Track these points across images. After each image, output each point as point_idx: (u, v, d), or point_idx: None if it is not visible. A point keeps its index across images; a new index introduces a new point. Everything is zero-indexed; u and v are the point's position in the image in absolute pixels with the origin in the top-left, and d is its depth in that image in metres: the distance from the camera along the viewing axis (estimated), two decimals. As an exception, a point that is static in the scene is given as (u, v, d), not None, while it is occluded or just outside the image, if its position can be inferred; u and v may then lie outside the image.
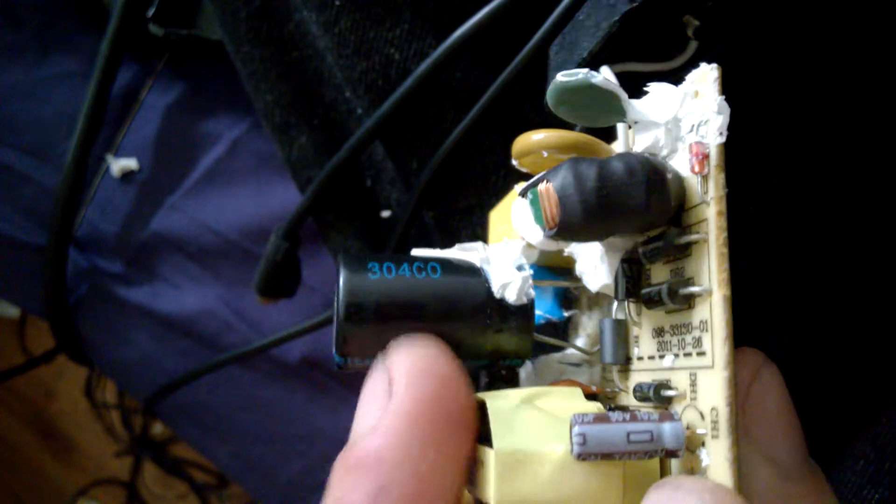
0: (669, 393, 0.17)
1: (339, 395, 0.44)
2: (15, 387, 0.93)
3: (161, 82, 0.43)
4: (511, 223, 0.23)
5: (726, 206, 0.16)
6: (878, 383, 0.25)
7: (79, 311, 0.47)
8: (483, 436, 0.18)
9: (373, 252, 0.19)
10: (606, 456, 0.15)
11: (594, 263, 0.20)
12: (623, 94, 0.17)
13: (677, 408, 0.17)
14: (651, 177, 0.16)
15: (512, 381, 0.21)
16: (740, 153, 0.18)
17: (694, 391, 0.16)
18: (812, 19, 0.24)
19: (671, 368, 0.17)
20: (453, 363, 0.17)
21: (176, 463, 0.89)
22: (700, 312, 0.16)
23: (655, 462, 0.17)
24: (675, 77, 0.17)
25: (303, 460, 0.46)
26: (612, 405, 0.19)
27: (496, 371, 0.20)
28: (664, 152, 0.17)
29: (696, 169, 0.16)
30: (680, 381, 0.17)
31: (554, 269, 0.23)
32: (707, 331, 0.16)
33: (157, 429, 0.90)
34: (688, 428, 0.16)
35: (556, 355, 0.23)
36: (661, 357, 0.18)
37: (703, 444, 0.16)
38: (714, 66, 0.16)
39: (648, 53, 0.22)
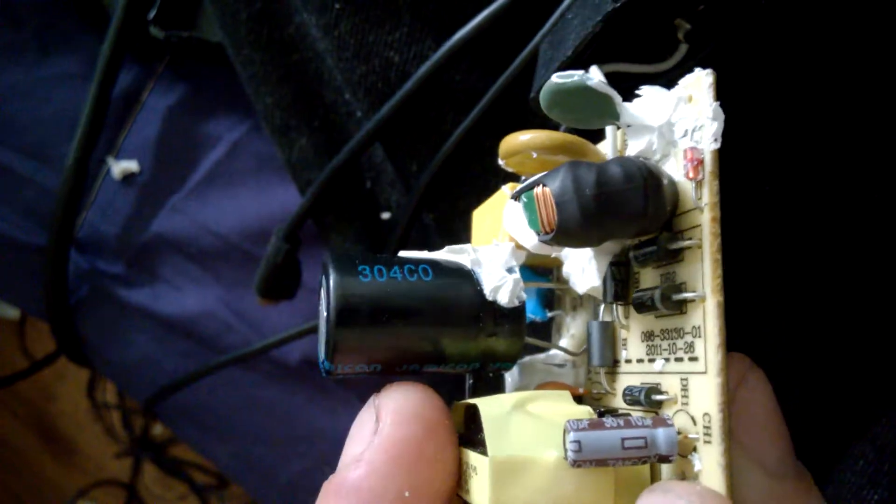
0: (660, 397, 0.17)
1: (340, 397, 0.44)
2: (16, 389, 0.93)
3: (162, 84, 0.43)
4: (495, 223, 0.23)
5: (720, 211, 0.16)
6: (877, 384, 0.25)
7: (79, 312, 0.47)
8: (470, 440, 0.18)
9: (363, 253, 0.18)
10: (601, 462, 0.15)
11: (582, 265, 0.20)
12: (617, 97, 0.17)
13: (668, 412, 0.17)
14: (648, 182, 0.16)
15: (497, 383, 0.21)
16: (733, 159, 0.18)
17: (686, 396, 0.16)
18: (803, 25, 0.24)
19: (661, 372, 0.17)
20: (440, 410, 0.18)
21: (176, 464, 0.89)
22: (693, 318, 0.16)
23: (646, 466, 0.17)
24: (665, 79, 0.17)
25: (303, 461, 0.46)
26: (601, 408, 0.19)
27: (483, 374, 0.20)
28: (657, 157, 0.17)
29: (691, 175, 0.16)
30: (671, 385, 0.17)
31: (536, 270, 0.23)
32: (700, 336, 0.16)
33: (158, 430, 0.90)
34: (679, 433, 0.16)
35: (541, 356, 0.23)
36: (651, 361, 0.18)
37: (694, 449, 0.16)
38: (709, 71, 0.16)
39: (638, 54, 0.22)
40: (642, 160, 0.17)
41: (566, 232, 0.16)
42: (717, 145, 0.16)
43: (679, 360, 0.17)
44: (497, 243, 0.20)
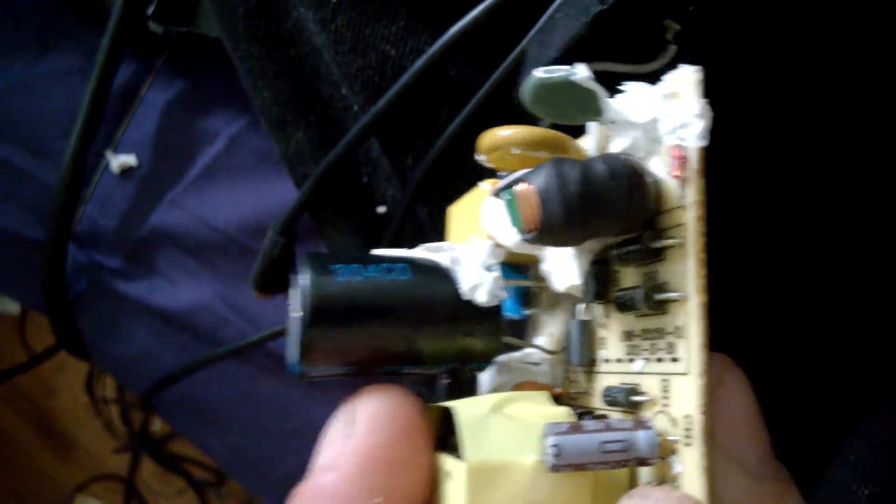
0: (640, 398, 0.17)
1: (336, 391, 0.44)
2: (15, 383, 0.93)
3: (161, 79, 0.44)
4: (473, 220, 0.22)
5: (705, 210, 0.15)
6: (869, 380, 0.25)
7: (78, 306, 0.48)
8: (445, 444, 0.18)
9: (337, 253, 0.19)
10: (580, 466, 0.15)
11: (562, 263, 0.19)
12: (602, 93, 0.17)
13: (648, 413, 0.17)
14: (633, 180, 0.16)
15: (472, 383, 0.21)
16: (717, 157, 0.18)
17: (666, 397, 0.16)
18: (791, 26, 0.24)
19: (641, 373, 0.17)
20: (415, 413, 0.17)
21: (174, 459, 0.89)
22: (675, 318, 0.16)
23: (625, 469, 0.17)
24: (652, 80, 0.17)
25: (298, 455, 0.46)
26: (579, 409, 0.19)
27: (460, 374, 0.20)
28: (641, 154, 0.17)
29: (676, 172, 0.16)
30: (650, 386, 0.17)
31: (513, 267, 0.23)
32: (682, 337, 0.16)
33: (156, 425, 0.90)
34: (659, 435, 0.16)
35: (517, 355, 0.22)
36: (631, 361, 0.17)
37: (674, 451, 0.15)
38: (697, 68, 0.16)
39: (626, 54, 0.21)
40: (626, 157, 0.16)
41: (549, 230, 0.16)
42: (704, 143, 0.15)
43: (660, 360, 0.16)
44: (475, 241, 0.20)
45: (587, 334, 0.19)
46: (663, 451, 0.16)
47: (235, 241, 0.43)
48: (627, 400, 0.17)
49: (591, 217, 0.16)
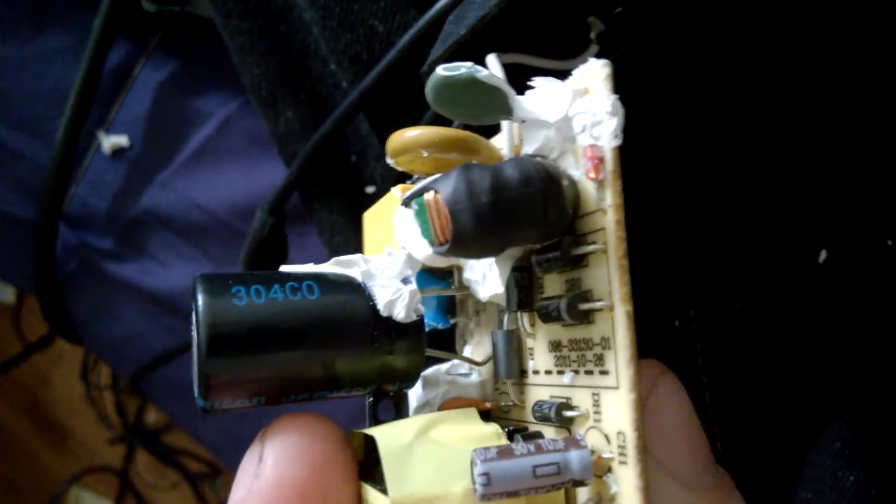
0: (572, 413, 0.16)
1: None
2: (10, 374, 0.93)
3: (153, 60, 0.44)
4: (387, 229, 0.21)
5: (624, 213, 0.15)
6: (854, 366, 0.25)
7: (68, 287, 0.48)
8: (371, 473, 0.17)
9: (235, 272, 0.17)
10: (512, 493, 0.14)
11: (483, 271, 0.18)
12: (510, 91, 0.16)
13: (580, 430, 0.16)
14: (547, 185, 0.15)
15: (400, 400, 0.20)
16: (637, 166, 0.18)
17: (598, 412, 0.15)
18: (717, 32, 0.24)
19: (571, 386, 0.16)
20: (331, 444, 0.16)
21: (169, 451, 0.89)
22: (601, 328, 0.15)
23: (561, 491, 0.16)
24: (569, 77, 0.16)
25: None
26: (510, 426, 0.18)
27: (384, 392, 0.19)
28: (555, 154, 0.16)
29: (592, 175, 0.15)
30: (582, 400, 0.16)
31: (435, 273, 0.21)
32: (609, 348, 0.15)
33: (151, 417, 0.90)
34: (593, 452, 0.15)
35: (444, 367, 0.21)
36: (560, 373, 0.17)
37: (609, 469, 0.15)
38: (605, 61, 0.15)
39: (546, 49, 0.20)
40: (539, 160, 0.16)
41: (462, 242, 0.14)
42: (618, 142, 0.15)
43: (589, 373, 0.16)
44: (389, 252, 0.19)
45: (513, 345, 0.18)
46: (598, 470, 0.15)
47: (226, 223, 0.43)
48: (559, 416, 0.16)
49: (504, 227, 0.14)
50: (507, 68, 0.18)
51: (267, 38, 0.34)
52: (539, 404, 0.17)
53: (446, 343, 0.23)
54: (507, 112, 0.16)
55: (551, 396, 0.17)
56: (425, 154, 0.18)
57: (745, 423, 0.25)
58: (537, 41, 0.20)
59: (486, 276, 0.18)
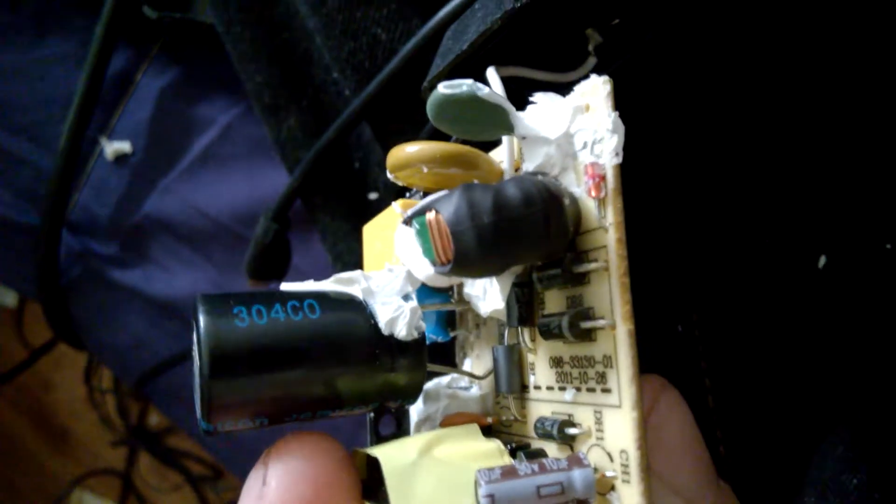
0: (574, 431, 0.16)
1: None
2: (13, 378, 0.93)
3: (155, 66, 0.44)
4: (388, 244, 0.21)
5: (625, 231, 0.15)
6: (857, 369, 0.25)
7: (72, 293, 0.48)
8: (375, 492, 0.17)
9: (236, 292, 0.17)
10: None
11: (484, 286, 0.18)
12: (511, 108, 0.16)
13: (583, 447, 0.16)
14: (549, 204, 0.15)
15: (401, 416, 0.19)
16: (639, 175, 0.18)
17: (600, 430, 0.15)
18: (715, 48, 0.24)
19: (573, 402, 0.16)
20: (335, 464, 0.16)
21: (171, 454, 0.89)
22: (602, 346, 0.15)
23: None
24: (568, 90, 0.16)
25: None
26: (513, 441, 0.18)
27: (386, 409, 0.19)
28: (555, 171, 0.16)
29: (593, 193, 0.15)
30: (584, 417, 0.16)
31: (434, 287, 0.21)
32: (611, 366, 0.15)
33: (154, 419, 0.90)
34: (596, 470, 0.15)
35: (445, 380, 0.21)
36: (562, 389, 0.17)
37: (613, 487, 0.15)
38: (606, 78, 0.15)
39: (544, 62, 0.20)
40: (540, 178, 0.16)
41: (464, 263, 0.14)
42: (619, 160, 0.15)
43: (591, 390, 0.16)
44: (390, 268, 0.18)
45: (514, 360, 0.18)
46: (602, 488, 0.15)
47: (229, 229, 0.43)
48: (561, 433, 0.16)
49: (507, 247, 0.14)
50: (506, 81, 0.18)
51: (270, 46, 0.34)
52: (541, 421, 0.17)
53: (446, 355, 0.23)
54: (508, 129, 0.16)
55: (553, 412, 0.17)
56: (425, 169, 0.17)
57: (749, 426, 0.25)
58: (536, 54, 0.20)
59: (486, 292, 0.18)
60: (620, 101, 0.15)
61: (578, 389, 0.16)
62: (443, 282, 0.19)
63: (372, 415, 0.19)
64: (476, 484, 0.14)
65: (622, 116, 0.15)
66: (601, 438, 0.15)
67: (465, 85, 0.15)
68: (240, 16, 0.34)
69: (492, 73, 0.18)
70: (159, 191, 0.44)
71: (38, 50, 0.44)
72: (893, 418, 0.23)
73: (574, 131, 0.16)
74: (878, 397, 0.23)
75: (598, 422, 0.15)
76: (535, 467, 0.14)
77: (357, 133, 0.35)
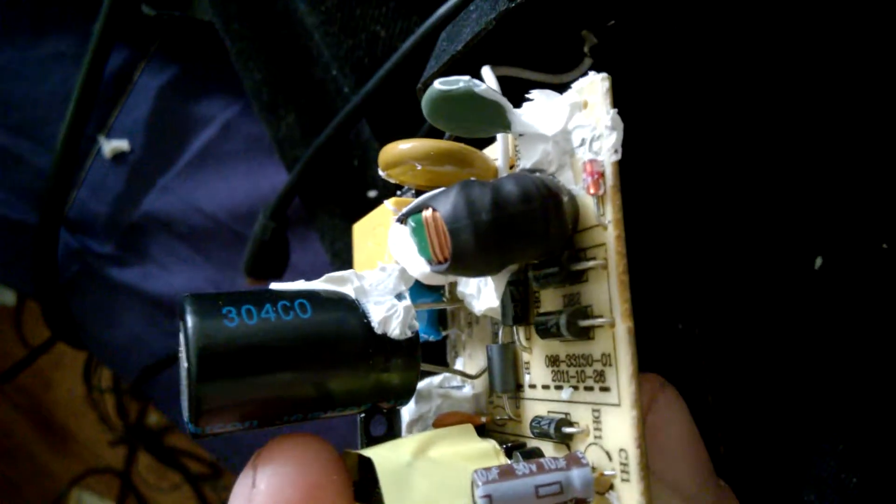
0: (571, 430, 0.16)
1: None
2: (12, 376, 0.93)
3: (154, 64, 0.44)
4: (380, 243, 0.21)
5: (624, 228, 0.15)
6: (856, 368, 0.25)
7: (70, 291, 0.47)
8: (367, 493, 0.17)
9: (225, 292, 0.16)
10: None
11: (478, 285, 0.18)
12: (508, 105, 0.16)
13: (580, 446, 0.16)
14: (548, 201, 0.15)
15: (392, 417, 0.19)
16: (636, 175, 0.17)
17: (598, 429, 0.15)
18: (709, 49, 0.24)
19: (570, 401, 0.16)
20: (326, 466, 0.16)
21: (170, 453, 0.89)
22: (601, 344, 0.15)
23: None
24: (564, 91, 0.16)
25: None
26: (507, 442, 0.18)
27: (377, 408, 0.18)
28: (553, 168, 0.16)
29: (592, 190, 0.15)
30: (581, 416, 0.16)
31: (427, 286, 0.21)
32: (610, 365, 0.15)
33: (152, 418, 0.90)
34: (594, 469, 0.15)
35: (436, 380, 0.21)
36: (558, 388, 0.16)
37: (612, 486, 0.15)
38: (604, 75, 0.15)
39: (539, 63, 0.20)
40: (539, 175, 0.15)
41: (462, 261, 0.14)
42: (618, 157, 0.15)
43: (589, 389, 0.15)
44: (382, 267, 0.18)
45: (509, 359, 0.18)
46: (600, 488, 0.15)
47: (228, 227, 0.43)
48: (558, 432, 0.16)
49: (506, 245, 0.14)
50: (501, 82, 0.18)
51: (268, 43, 0.34)
52: (538, 420, 0.17)
53: (437, 355, 0.23)
54: (505, 126, 0.16)
55: (549, 412, 0.17)
56: (419, 167, 0.17)
57: (749, 425, 0.25)
58: (531, 55, 0.20)
59: (481, 290, 0.18)
60: (617, 101, 0.15)
61: (576, 388, 0.16)
62: (438, 280, 0.19)
63: (363, 416, 0.18)
64: (473, 484, 0.14)
65: (619, 115, 0.15)
66: (599, 437, 0.15)
67: (461, 81, 0.15)
68: (239, 13, 0.34)
69: (487, 72, 0.18)
70: (158, 189, 0.43)
71: (37, 48, 0.44)
72: (893, 417, 0.23)
73: (572, 128, 0.15)
74: (877, 396, 0.23)
75: (597, 420, 0.15)
76: (533, 467, 0.14)
77: (356, 131, 0.35)
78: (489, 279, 0.18)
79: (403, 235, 0.18)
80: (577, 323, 0.15)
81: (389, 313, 0.17)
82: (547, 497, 0.14)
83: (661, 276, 0.26)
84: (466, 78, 0.15)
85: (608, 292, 0.15)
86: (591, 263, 0.15)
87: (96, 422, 0.91)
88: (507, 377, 0.18)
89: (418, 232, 0.15)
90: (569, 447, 0.16)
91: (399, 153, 0.17)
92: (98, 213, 0.45)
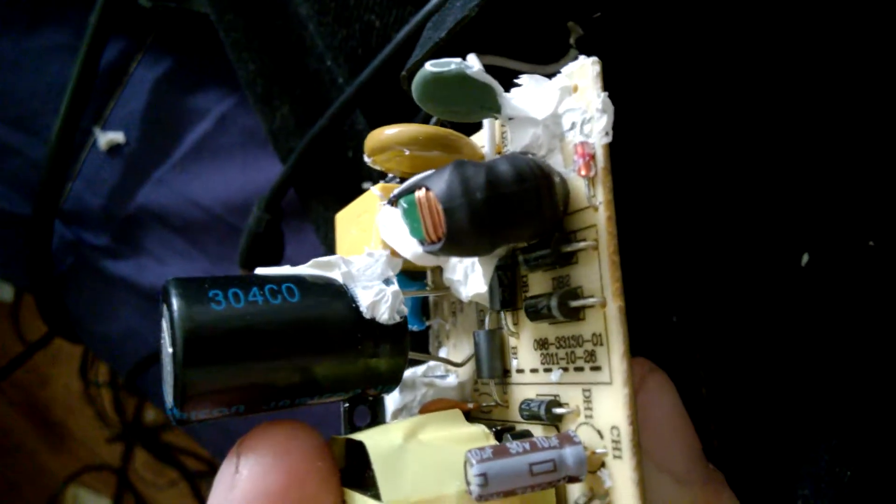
0: (562, 410, 0.16)
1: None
2: (9, 372, 0.93)
3: (150, 56, 0.43)
4: (365, 229, 0.21)
5: (614, 210, 0.15)
6: (849, 362, 0.24)
7: (64, 284, 0.47)
8: (357, 479, 0.17)
9: (210, 276, 0.16)
10: (508, 493, 0.14)
11: (466, 270, 0.18)
12: (499, 88, 0.16)
13: (571, 426, 0.16)
14: (541, 181, 0.15)
15: (376, 405, 0.19)
16: (627, 168, 0.17)
17: (589, 408, 0.15)
18: (696, 43, 0.24)
19: (559, 383, 0.16)
20: (311, 452, 0.16)
21: (167, 450, 0.89)
22: (592, 324, 0.15)
23: (552, 490, 0.16)
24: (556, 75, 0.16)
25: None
26: (497, 426, 0.18)
27: (364, 397, 0.18)
28: (542, 151, 0.16)
29: (583, 172, 0.15)
30: (571, 397, 0.16)
31: (409, 275, 0.21)
32: (601, 344, 0.15)
33: (149, 415, 0.90)
34: (586, 448, 0.15)
35: (420, 369, 0.21)
36: (548, 371, 0.16)
37: (603, 464, 0.15)
38: (594, 59, 0.15)
39: (525, 53, 0.20)
40: (531, 157, 0.15)
41: (456, 240, 0.14)
42: (609, 139, 0.15)
43: (579, 369, 0.15)
44: (370, 252, 0.18)
45: (496, 345, 0.18)
46: (592, 466, 0.15)
47: (223, 220, 0.43)
48: (549, 413, 0.16)
49: (499, 224, 0.14)
50: (488, 71, 0.18)
51: (262, 33, 0.34)
52: (527, 402, 0.17)
53: (420, 345, 0.23)
54: (496, 109, 0.16)
55: (537, 395, 0.17)
56: (406, 152, 0.17)
57: (743, 418, 0.25)
58: (517, 45, 0.20)
59: (468, 276, 0.18)
60: (607, 87, 0.15)
61: (565, 370, 0.16)
62: (430, 261, 0.18)
63: (346, 405, 0.18)
64: (467, 463, 0.14)
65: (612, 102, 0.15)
66: (590, 416, 0.15)
67: (453, 63, 0.15)
68: (233, 3, 0.34)
69: (473, 59, 0.18)
70: (153, 181, 0.43)
71: (32, 40, 0.44)
72: (887, 410, 0.23)
73: (562, 112, 0.16)
74: (871, 390, 0.23)
75: (587, 400, 0.15)
76: (527, 446, 0.14)
77: (350, 122, 0.35)
78: (476, 265, 0.18)
79: (394, 217, 0.18)
80: (569, 303, 0.15)
81: (378, 298, 0.17)
82: (541, 475, 0.14)
83: (655, 269, 0.26)
84: (458, 60, 0.15)
85: (599, 273, 0.15)
86: (581, 245, 0.15)
87: (93, 418, 0.91)
88: (494, 363, 0.18)
89: (410, 213, 0.15)
90: (558, 428, 0.16)
91: (386, 138, 0.17)
92: (93, 205, 0.45)
